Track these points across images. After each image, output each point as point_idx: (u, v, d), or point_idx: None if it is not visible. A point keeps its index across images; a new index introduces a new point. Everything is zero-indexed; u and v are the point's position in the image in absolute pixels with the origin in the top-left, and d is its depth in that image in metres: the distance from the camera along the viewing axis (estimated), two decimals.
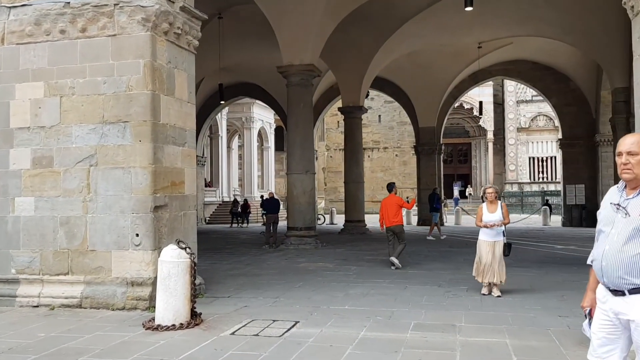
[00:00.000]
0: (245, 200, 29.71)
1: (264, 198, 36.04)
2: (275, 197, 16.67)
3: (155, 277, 6.28)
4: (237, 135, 38.90)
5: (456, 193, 42.52)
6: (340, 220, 29.07)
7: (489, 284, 7.60)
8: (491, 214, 7.61)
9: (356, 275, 9.64)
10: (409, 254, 13.22)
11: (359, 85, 20.67)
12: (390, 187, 11.28)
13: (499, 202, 7.72)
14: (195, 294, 6.13)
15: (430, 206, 19.09)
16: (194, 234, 7.89)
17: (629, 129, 17.99)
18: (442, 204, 19.37)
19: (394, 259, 10.45)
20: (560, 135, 43.05)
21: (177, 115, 7.45)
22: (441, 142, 27.22)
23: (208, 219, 31.04)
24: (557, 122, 42.94)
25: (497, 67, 26.26)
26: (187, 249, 6.10)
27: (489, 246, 7.58)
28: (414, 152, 47.45)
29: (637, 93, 6.41)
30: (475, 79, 27.08)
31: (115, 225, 7.01)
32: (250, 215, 29.58)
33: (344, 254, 13.39)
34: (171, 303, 5.83)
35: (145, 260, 6.93)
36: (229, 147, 37.32)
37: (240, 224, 28.10)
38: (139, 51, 6.95)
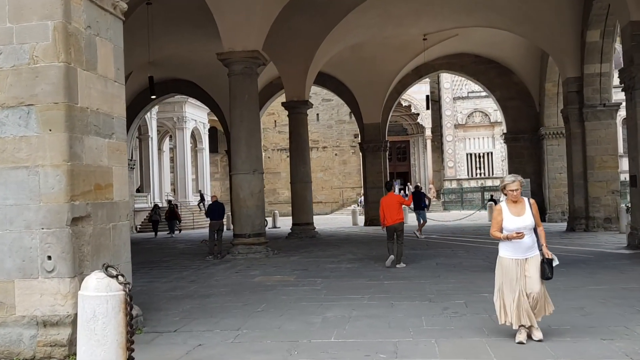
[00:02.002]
0: (174, 206, 26.27)
1: (199, 202, 34.76)
2: (219, 201, 14.86)
3: (76, 314, 4.54)
4: (169, 137, 36.52)
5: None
6: (282, 223, 27.53)
7: (528, 327, 5.03)
8: (517, 217, 5.06)
9: (326, 291, 8.13)
10: (374, 259, 11.90)
11: (303, 78, 19.20)
12: (389, 186, 11.48)
13: (526, 199, 5.21)
14: (132, 338, 4.44)
15: (416, 204, 18.03)
16: (127, 252, 6.15)
17: (582, 119, 17.54)
18: (429, 202, 18.47)
19: (399, 266, 10.46)
20: (497, 131, 44.16)
21: (100, 97, 5.70)
22: (386, 139, 26.20)
23: (139, 227, 28.62)
24: (492, 118, 43.78)
25: (441, 61, 25.52)
26: (120, 277, 4.40)
27: (519, 267, 5.03)
28: (353, 151, 47.32)
29: None
30: (419, 73, 26.26)
31: (19, 246, 5.20)
32: (182, 222, 27.26)
33: (301, 262, 11.85)
34: (98, 355, 4.11)
35: (61, 292, 5.15)
36: (159, 149, 34.93)
37: (168, 234, 24.69)
38: (46, 10, 5.17)
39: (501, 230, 5.12)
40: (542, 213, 23.96)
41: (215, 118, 28.21)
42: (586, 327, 5.42)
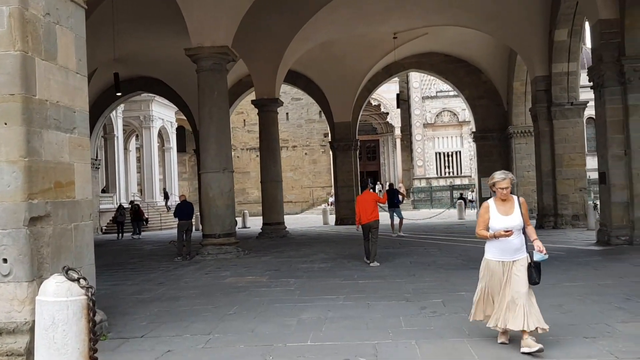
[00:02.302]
0: (137, 206, 25.51)
1: (166, 201, 34.02)
2: (188, 200, 14.46)
3: (34, 321, 4.21)
4: (135, 136, 35.78)
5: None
6: (252, 223, 27.20)
7: (505, 330, 4.77)
8: (505, 216, 4.70)
9: (300, 291, 7.90)
10: (347, 258, 11.72)
11: (273, 75, 18.92)
12: (365, 184, 11.57)
13: (515, 198, 4.84)
14: (95, 346, 4.14)
15: (390, 202, 17.81)
16: (90, 254, 5.81)
17: (550, 117, 17.71)
18: (402, 199, 18.40)
19: (373, 264, 10.46)
20: (465, 130, 44.56)
21: (61, 89, 5.35)
22: (357, 138, 26.10)
23: (105, 228, 27.88)
24: (461, 117, 44.18)
25: (410, 59, 25.54)
26: (81, 280, 4.09)
27: (506, 269, 4.69)
28: (323, 150, 47.18)
29: None
30: (389, 72, 26.24)
31: None
32: (148, 222, 26.57)
33: (273, 263, 11.59)
34: None
35: (18, 297, 4.80)
36: (125, 148, 34.17)
37: (133, 235, 23.90)
38: None
39: (488, 230, 4.79)
40: None
41: (184, 117, 27.66)
42: (567, 325, 5.32)
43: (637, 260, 9.49)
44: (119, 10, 15.88)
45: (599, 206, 17.15)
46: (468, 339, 5.00)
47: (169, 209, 32.60)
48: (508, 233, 4.61)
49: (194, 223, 16.68)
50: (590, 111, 19.00)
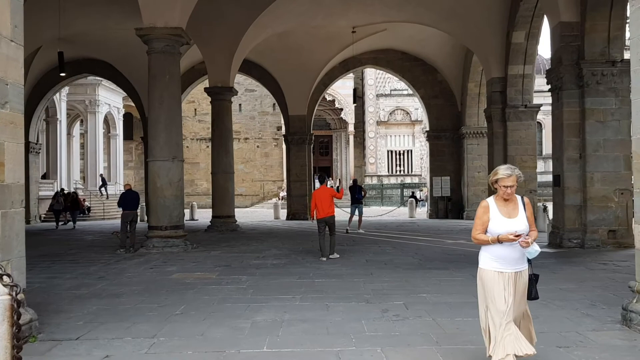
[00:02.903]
0: (74, 193, 24.17)
1: (100, 186, 32.54)
2: (134, 190, 13.68)
3: None
4: (80, 121, 34.19)
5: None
6: (201, 215, 26.43)
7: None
8: (508, 219, 3.90)
9: (253, 290, 7.43)
10: (301, 254, 11.32)
11: (228, 63, 18.26)
12: (322, 178, 11.51)
13: (519, 198, 4.03)
14: (19, 354, 3.57)
15: (352, 197, 17.74)
16: (21, 245, 5.17)
17: (504, 119, 17.81)
18: (364, 195, 18.33)
19: (333, 256, 10.52)
20: (417, 129, 44.88)
21: None
22: (312, 132, 25.69)
23: (44, 216, 26.47)
24: (413, 116, 44.47)
25: (368, 55, 25.31)
26: (5, 277, 3.53)
27: (507, 282, 3.86)
28: (275, 143, 46.53)
29: (634, 54, 5.03)
30: (346, 67, 25.94)
31: None
32: (91, 211, 25.28)
33: (223, 258, 11.04)
34: None
35: None
36: (69, 133, 32.59)
37: (64, 223, 22.74)
38: None
39: (485, 233, 3.96)
40: (461, 211, 24.43)
41: (132, 103, 26.50)
42: (538, 332, 5.06)
43: (592, 264, 9.49)
44: None
45: (548, 208, 17.50)
46: (437, 347, 4.67)
47: (102, 194, 31.27)
48: (519, 237, 3.75)
49: (139, 214, 15.92)
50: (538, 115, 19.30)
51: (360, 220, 17.63)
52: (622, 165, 12.04)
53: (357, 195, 17.78)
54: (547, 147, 38.51)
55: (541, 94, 21.16)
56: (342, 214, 19.49)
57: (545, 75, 13.43)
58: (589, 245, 11.81)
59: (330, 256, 10.56)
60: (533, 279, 3.97)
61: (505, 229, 3.85)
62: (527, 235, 3.84)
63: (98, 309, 6.36)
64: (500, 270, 3.87)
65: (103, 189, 31.79)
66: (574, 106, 12.22)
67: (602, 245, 11.79)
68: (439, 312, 5.90)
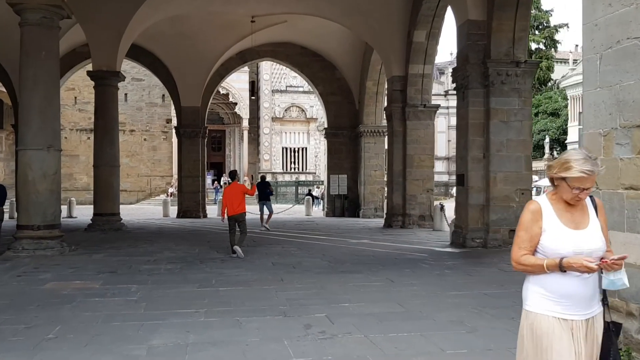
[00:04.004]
0: None
1: None
2: (1, 184, 11.78)
3: None
4: None
5: (209, 182, 39.98)
6: (80, 212, 24.13)
7: None
8: (576, 232, 2.55)
9: (146, 303, 6.29)
10: (199, 258, 10.23)
11: (116, 45, 16.53)
12: (233, 175, 11.39)
13: (588, 199, 2.63)
14: None
15: (262, 194, 17.11)
16: None
17: (404, 117, 17.75)
18: (271, 192, 17.68)
19: (237, 248, 10.31)
20: (312, 127, 44.58)
21: None
22: (206, 125, 24.32)
23: None
24: (309, 114, 44.18)
25: (266, 47, 24.43)
26: None
27: (577, 336, 2.51)
28: (164, 137, 44.10)
29: (587, 41, 4.62)
30: (244, 59, 24.88)
31: None
32: None
33: (108, 262, 9.65)
34: None
35: None
36: None
37: None
38: None
39: (534, 252, 2.59)
40: (357, 209, 24.29)
41: (3, 89, 23.55)
42: (484, 349, 4.53)
43: (502, 265, 9.32)
44: None
45: (445, 207, 17.68)
46: None
47: None
48: (590, 267, 2.39)
49: (6, 211, 13.89)
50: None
51: (269, 217, 17.09)
52: (524, 166, 12.18)
53: (267, 191, 17.23)
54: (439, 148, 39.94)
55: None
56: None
57: (451, 74, 13.33)
58: (491, 245, 11.80)
59: (234, 248, 10.33)
60: (613, 331, 2.56)
61: (571, 248, 2.49)
62: (601, 254, 2.54)
63: None
64: (563, 316, 2.51)
65: None
66: (479, 105, 12.16)
67: (503, 244, 11.82)
68: (368, 326, 5.19)
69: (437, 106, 18.39)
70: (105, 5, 15.78)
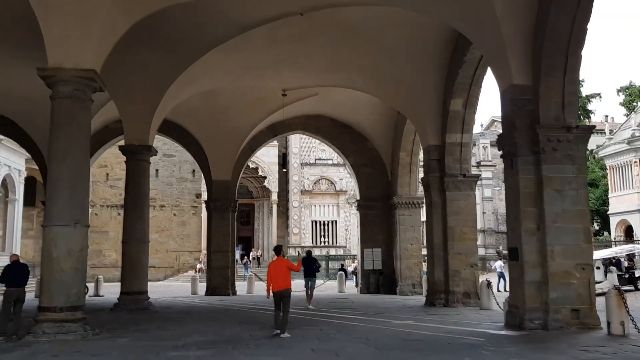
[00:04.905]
0: None
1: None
2: (22, 261, 11.23)
3: None
4: None
5: (238, 257, 39.18)
6: (108, 290, 23.45)
7: None
8: None
9: None
10: (230, 342, 9.32)
11: (148, 119, 16.43)
12: (278, 250, 11.11)
13: None
14: None
15: (307, 270, 16.36)
16: None
17: (443, 187, 16.97)
18: (318, 268, 16.96)
19: (284, 336, 9.86)
20: (342, 199, 43.97)
21: None
22: (236, 199, 23.88)
23: None
24: (338, 186, 43.71)
25: (297, 120, 24.35)
26: None
27: None
28: (194, 212, 43.92)
29: None
30: (274, 131, 24.79)
31: None
32: None
33: (132, 348, 8.81)
34: None
35: None
36: None
37: None
38: None
39: None
40: (393, 285, 23.04)
41: (36, 167, 23.68)
42: None
43: (572, 351, 8.18)
44: None
45: (492, 284, 16.46)
46: None
47: None
48: None
49: (33, 290, 13.28)
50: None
51: (311, 294, 16.37)
52: (582, 238, 11.14)
53: (312, 267, 16.60)
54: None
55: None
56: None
57: (497, 141, 12.64)
58: (553, 327, 10.60)
59: (282, 335, 9.86)
60: None
61: None
62: None
63: None
64: None
65: None
66: (529, 173, 11.34)
67: (565, 326, 10.63)
68: None
69: (478, 176, 17.61)
70: (139, 81, 15.79)
